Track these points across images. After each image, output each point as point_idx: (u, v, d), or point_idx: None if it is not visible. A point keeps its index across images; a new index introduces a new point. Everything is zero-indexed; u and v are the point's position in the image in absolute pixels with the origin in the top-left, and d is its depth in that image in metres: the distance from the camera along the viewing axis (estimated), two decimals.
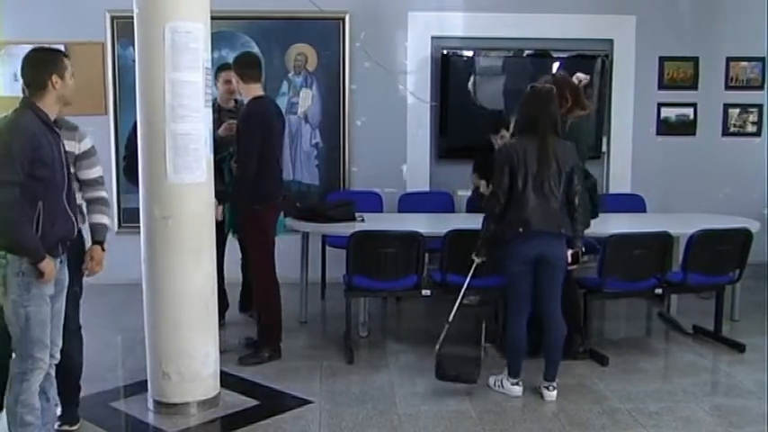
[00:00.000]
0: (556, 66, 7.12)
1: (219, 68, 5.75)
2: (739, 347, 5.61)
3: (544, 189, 4.43)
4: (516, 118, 4.68)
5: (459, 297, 4.73)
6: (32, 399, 3.46)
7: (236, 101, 5.86)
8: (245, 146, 5.10)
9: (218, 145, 5.36)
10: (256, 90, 5.22)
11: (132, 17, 4.30)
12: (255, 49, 7.02)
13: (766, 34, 7.38)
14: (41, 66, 3.45)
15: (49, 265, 3.36)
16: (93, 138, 4.16)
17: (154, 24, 4.19)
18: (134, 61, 4.39)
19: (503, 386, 4.70)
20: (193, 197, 4.35)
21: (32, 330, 3.39)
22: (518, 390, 4.66)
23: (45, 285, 3.41)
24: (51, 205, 3.40)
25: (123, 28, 6.75)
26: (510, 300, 4.69)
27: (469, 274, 4.69)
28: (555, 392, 4.60)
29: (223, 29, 6.74)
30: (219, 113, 5.52)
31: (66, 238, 3.54)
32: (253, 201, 5.12)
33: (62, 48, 6.78)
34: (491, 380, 4.76)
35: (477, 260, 4.66)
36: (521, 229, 4.43)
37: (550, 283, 4.58)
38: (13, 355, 3.53)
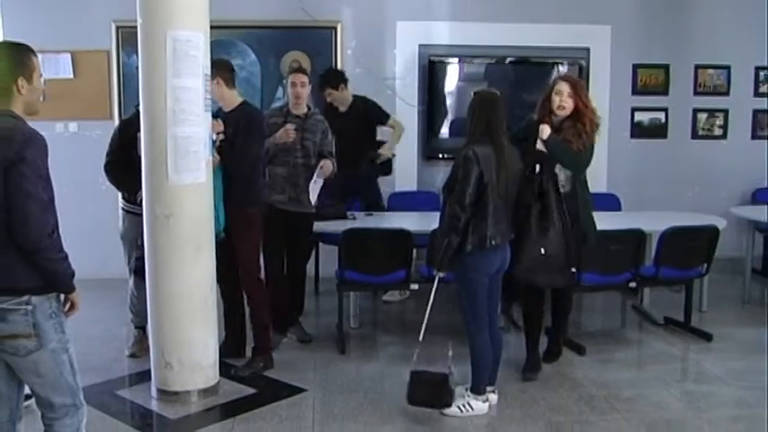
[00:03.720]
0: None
1: (289, 72, 5.55)
2: (707, 337, 5.64)
3: (504, 196, 4.10)
4: (471, 125, 4.17)
5: (426, 316, 4.24)
6: None
7: (308, 107, 5.45)
8: (244, 149, 4.81)
9: (273, 155, 5.16)
10: (238, 95, 4.98)
11: (136, 26, 4.29)
12: (252, 57, 7.03)
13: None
14: (5, 66, 2.75)
15: (78, 294, 2.88)
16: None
17: (156, 33, 4.18)
18: (137, 68, 4.37)
19: (471, 408, 4.23)
20: (194, 197, 4.34)
21: (77, 375, 2.90)
22: (486, 407, 4.27)
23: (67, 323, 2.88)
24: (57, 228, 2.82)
25: (127, 37, 6.72)
26: (472, 313, 4.18)
27: (434, 290, 4.21)
28: (497, 395, 4.41)
29: (222, 37, 6.70)
30: (286, 119, 5.26)
31: None
32: (247, 202, 4.86)
33: (69, 56, 6.93)
34: (452, 410, 4.21)
35: (440, 275, 4.14)
36: (493, 242, 4.05)
37: (498, 291, 4.36)
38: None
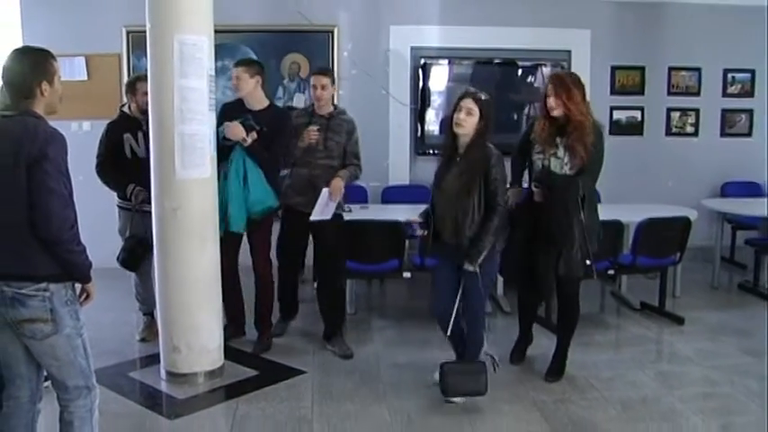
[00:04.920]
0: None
1: (311, 73, 5.01)
2: (679, 320, 5.66)
3: None
4: (487, 124, 3.98)
5: (455, 311, 4.03)
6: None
7: (335, 106, 4.96)
8: (280, 149, 4.73)
9: (297, 156, 4.79)
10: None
11: (145, 31, 4.26)
12: (254, 59, 6.97)
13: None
14: (31, 71, 2.75)
15: (94, 285, 2.89)
16: None
17: (164, 37, 4.16)
18: (147, 70, 4.34)
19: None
20: (199, 190, 4.32)
21: (90, 359, 2.89)
22: None
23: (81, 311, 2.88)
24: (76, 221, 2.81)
25: (137, 41, 6.68)
26: (483, 306, 4.16)
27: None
28: None
29: (225, 41, 6.67)
30: (311, 120, 4.82)
31: None
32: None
33: (83, 59, 6.90)
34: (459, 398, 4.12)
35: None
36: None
37: None
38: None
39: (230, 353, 4.71)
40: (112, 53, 6.99)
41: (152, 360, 4.69)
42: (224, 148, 4.59)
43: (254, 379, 4.51)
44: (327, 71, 5.03)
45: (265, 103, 4.86)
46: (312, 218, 4.72)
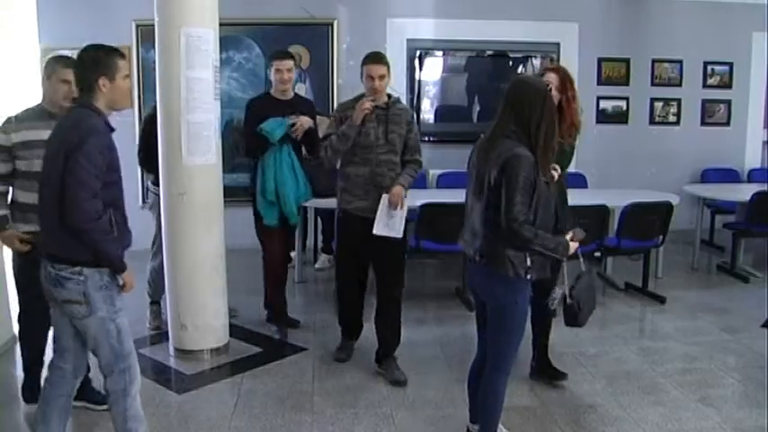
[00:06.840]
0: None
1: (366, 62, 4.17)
2: (661, 300, 5.66)
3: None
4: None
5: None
6: (139, 410, 2.94)
7: (389, 95, 4.13)
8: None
9: (352, 153, 4.01)
10: None
11: (154, 24, 4.22)
12: (257, 50, 6.93)
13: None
14: (90, 66, 2.74)
15: (130, 274, 2.82)
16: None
17: (171, 30, 4.12)
18: (155, 62, 4.30)
19: None
20: (205, 176, 4.28)
21: (125, 343, 2.85)
22: None
23: (121, 297, 2.85)
24: (119, 212, 2.78)
25: (146, 34, 6.63)
26: None
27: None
28: None
29: (230, 33, 6.61)
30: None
31: (128, 246, 2.89)
32: None
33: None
34: None
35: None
36: None
37: None
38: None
39: (235, 331, 4.70)
40: (123, 45, 6.86)
41: (161, 338, 4.68)
42: (263, 143, 4.51)
43: (258, 356, 4.50)
44: (380, 58, 4.13)
45: (292, 92, 4.81)
46: (376, 231, 3.95)
